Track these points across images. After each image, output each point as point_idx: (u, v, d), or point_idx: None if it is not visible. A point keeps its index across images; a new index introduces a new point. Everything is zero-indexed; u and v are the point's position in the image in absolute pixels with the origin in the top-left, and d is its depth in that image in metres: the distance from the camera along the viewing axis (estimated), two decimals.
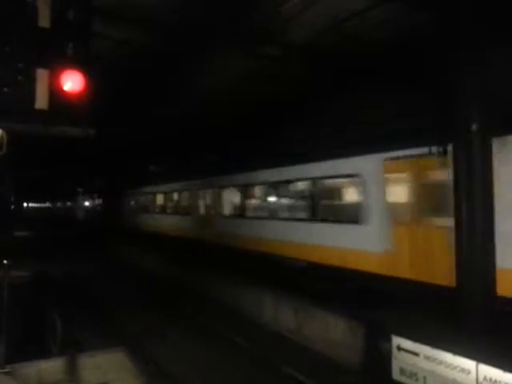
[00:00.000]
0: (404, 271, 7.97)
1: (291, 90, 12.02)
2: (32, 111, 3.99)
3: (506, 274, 6.31)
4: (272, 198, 12.35)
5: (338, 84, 10.86)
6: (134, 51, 9.36)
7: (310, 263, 10.31)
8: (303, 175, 11.00)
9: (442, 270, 7.17)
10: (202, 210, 16.78)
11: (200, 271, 14.04)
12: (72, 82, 4.10)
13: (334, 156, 9.87)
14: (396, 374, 6.52)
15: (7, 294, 5.69)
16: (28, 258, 14.95)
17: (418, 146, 7.78)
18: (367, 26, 8.26)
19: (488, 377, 5.39)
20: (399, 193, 8.40)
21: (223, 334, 9.39)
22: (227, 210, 14.97)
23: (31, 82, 3.97)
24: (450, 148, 6.98)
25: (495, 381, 5.30)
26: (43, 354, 6.77)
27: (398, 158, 8.24)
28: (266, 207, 12.57)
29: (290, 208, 11.79)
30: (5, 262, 5.83)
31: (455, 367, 5.75)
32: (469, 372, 5.60)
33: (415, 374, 6.25)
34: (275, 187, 12.12)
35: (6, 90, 3.88)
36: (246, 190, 13.63)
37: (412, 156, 7.95)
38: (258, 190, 13.44)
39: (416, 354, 6.25)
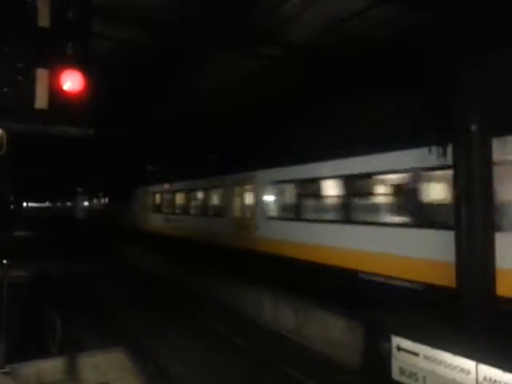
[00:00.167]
0: None
1: None
2: (32, 111, 3.99)
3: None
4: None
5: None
6: (134, 51, 9.36)
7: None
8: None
9: None
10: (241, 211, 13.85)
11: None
12: (72, 82, 4.10)
13: None
14: (396, 374, 6.52)
15: (7, 294, 5.69)
16: (28, 258, 14.95)
17: None
18: (366, 26, 8.26)
19: (488, 377, 5.39)
20: None
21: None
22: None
23: (31, 81, 3.96)
24: None
25: (495, 381, 5.30)
26: (43, 353, 6.75)
27: None
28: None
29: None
30: (4, 261, 5.83)
31: (455, 367, 5.76)
32: (468, 372, 5.60)
33: (415, 374, 6.25)
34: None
35: (5, 89, 3.88)
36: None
37: None
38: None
39: (416, 354, 6.25)
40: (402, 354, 6.44)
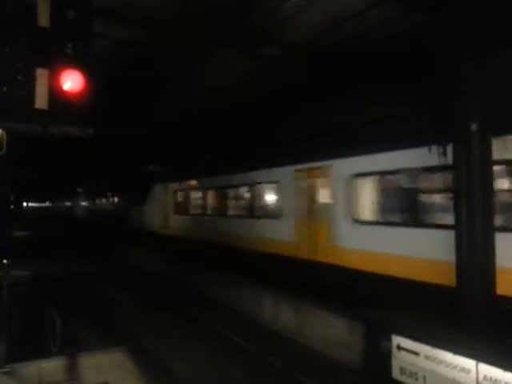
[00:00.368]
0: None
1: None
2: (32, 111, 3.98)
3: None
4: None
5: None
6: (134, 51, 9.36)
7: None
8: None
9: None
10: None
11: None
12: (72, 82, 4.09)
13: None
14: (396, 374, 6.52)
15: (7, 294, 5.69)
16: (27, 258, 14.94)
17: None
18: (367, 26, 8.26)
19: (488, 376, 5.39)
20: None
21: None
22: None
23: (31, 81, 3.95)
24: None
25: (495, 380, 5.31)
26: (43, 353, 6.75)
27: None
28: None
29: None
30: (4, 261, 5.83)
31: (455, 366, 5.76)
32: (469, 371, 5.60)
33: (415, 374, 6.25)
34: None
35: (5, 89, 3.87)
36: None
37: None
38: None
39: (416, 354, 6.25)
40: (403, 353, 6.44)
